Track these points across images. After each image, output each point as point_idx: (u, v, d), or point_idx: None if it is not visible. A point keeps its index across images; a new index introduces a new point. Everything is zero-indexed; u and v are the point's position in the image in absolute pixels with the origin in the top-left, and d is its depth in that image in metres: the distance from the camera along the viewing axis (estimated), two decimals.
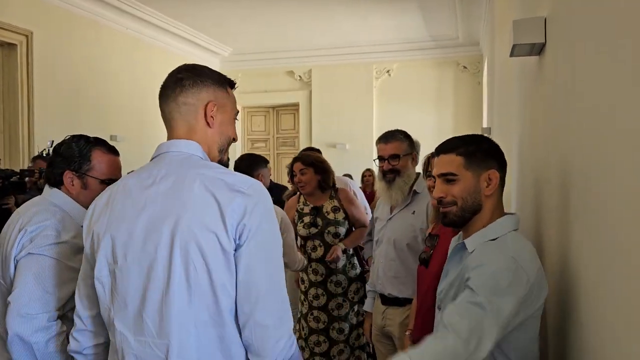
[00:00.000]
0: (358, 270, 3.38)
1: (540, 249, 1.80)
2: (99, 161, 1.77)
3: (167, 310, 1.20)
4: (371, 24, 8.09)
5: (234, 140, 1.43)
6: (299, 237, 3.39)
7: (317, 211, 3.33)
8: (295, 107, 10.18)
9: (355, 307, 3.33)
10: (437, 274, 1.85)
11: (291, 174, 3.39)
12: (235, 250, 1.20)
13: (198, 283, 1.19)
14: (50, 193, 1.73)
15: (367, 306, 2.84)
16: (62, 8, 6.31)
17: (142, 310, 1.22)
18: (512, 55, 1.98)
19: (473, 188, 1.44)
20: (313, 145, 9.64)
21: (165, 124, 1.38)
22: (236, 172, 1.30)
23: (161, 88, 1.38)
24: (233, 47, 9.74)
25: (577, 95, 1.29)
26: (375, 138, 9.09)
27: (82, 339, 1.36)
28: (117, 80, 7.36)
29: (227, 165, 1.43)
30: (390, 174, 2.58)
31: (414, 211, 2.54)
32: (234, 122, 1.42)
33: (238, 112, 1.45)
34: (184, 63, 1.48)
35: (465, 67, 9.17)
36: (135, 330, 1.23)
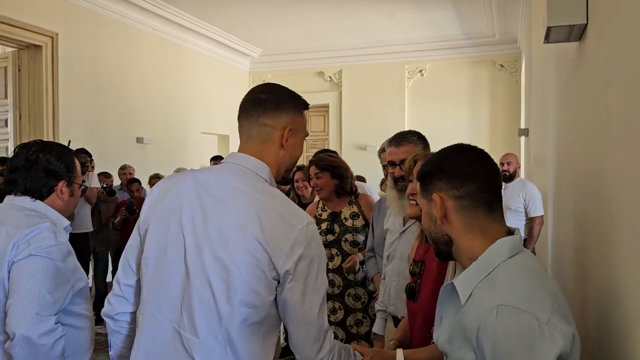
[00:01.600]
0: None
1: (584, 270, 1.53)
2: (76, 168, 1.82)
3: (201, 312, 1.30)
4: (402, 21, 7.82)
5: (298, 158, 1.53)
6: None
7: (334, 217, 3.12)
8: (325, 108, 9.98)
9: None
10: (428, 313, 1.61)
11: (292, 182, 3.37)
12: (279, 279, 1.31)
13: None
14: (31, 204, 1.71)
15: (377, 328, 2.48)
16: (88, 9, 6.29)
17: (182, 304, 1.31)
18: (546, 41, 1.71)
19: (428, 216, 1.21)
20: (343, 148, 9.45)
21: (241, 135, 1.45)
22: (290, 203, 1.38)
23: (242, 103, 1.45)
24: (262, 48, 9.62)
25: (630, 90, 1.03)
26: None
27: (116, 304, 1.45)
28: (144, 81, 7.32)
29: (289, 181, 1.77)
30: (402, 181, 2.24)
31: None
32: (303, 143, 1.51)
33: (308, 134, 1.54)
34: (263, 84, 1.53)
35: (502, 66, 8.76)
36: (172, 318, 1.32)
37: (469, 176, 1.13)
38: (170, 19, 7.45)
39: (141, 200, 5.61)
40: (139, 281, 1.42)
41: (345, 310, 3.07)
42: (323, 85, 9.86)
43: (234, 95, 9.78)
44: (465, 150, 1.20)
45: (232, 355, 1.28)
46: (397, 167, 2.29)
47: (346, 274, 3.04)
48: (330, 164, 3.09)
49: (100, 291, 5.39)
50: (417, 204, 2.27)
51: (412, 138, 2.32)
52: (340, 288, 3.08)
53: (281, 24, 7.96)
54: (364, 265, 3.03)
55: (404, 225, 2.36)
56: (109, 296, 1.47)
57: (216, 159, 6.36)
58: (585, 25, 1.54)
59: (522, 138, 6.77)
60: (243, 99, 1.46)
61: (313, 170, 3.11)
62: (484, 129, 8.85)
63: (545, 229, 3.78)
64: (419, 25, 8.04)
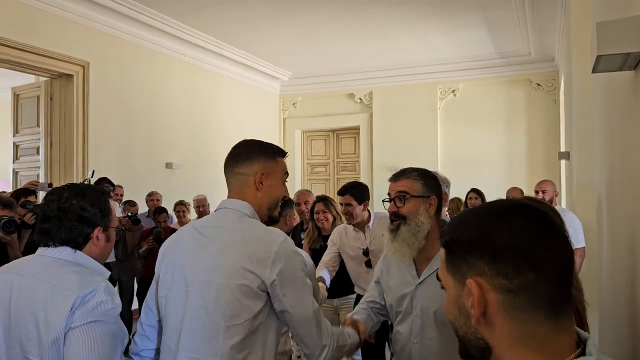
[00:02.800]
0: None
1: None
2: (112, 211, 1.73)
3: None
4: (433, 41, 7.65)
5: (284, 198, 1.76)
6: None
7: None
8: (355, 130, 9.84)
9: None
10: None
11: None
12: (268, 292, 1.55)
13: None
14: (72, 257, 1.61)
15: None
16: (119, 37, 6.36)
17: (183, 330, 1.56)
18: (595, 70, 1.51)
19: (456, 306, 0.90)
20: (374, 170, 9.25)
21: (227, 185, 1.71)
22: (269, 229, 1.61)
23: (225, 160, 1.72)
24: (292, 71, 9.59)
25: None
26: (440, 162, 8.54)
27: (140, 343, 1.69)
28: (174, 106, 7.34)
29: (277, 220, 1.90)
30: (396, 219, 1.95)
31: None
32: (283, 184, 1.75)
33: (288, 174, 1.78)
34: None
35: (539, 85, 8.45)
36: (177, 345, 1.58)
37: (528, 260, 0.75)
38: (200, 45, 7.48)
39: (168, 230, 5.54)
40: (159, 321, 1.67)
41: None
42: (354, 107, 9.74)
43: (264, 119, 9.82)
44: (524, 213, 0.80)
45: None
46: (392, 202, 1.98)
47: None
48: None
49: (125, 319, 5.30)
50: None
51: (412, 174, 1.97)
52: None
53: (310, 46, 7.91)
54: None
55: (417, 274, 1.96)
56: (135, 337, 1.72)
57: None
58: None
59: (563, 162, 6.44)
60: (226, 157, 1.73)
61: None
62: (522, 152, 8.51)
63: (592, 261, 3.49)
64: (451, 45, 7.84)
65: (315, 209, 3.83)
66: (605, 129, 2.30)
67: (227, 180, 1.70)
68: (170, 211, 6.20)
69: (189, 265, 1.58)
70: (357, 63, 8.87)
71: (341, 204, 3.48)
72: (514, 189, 5.51)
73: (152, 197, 6.00)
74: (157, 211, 5.58)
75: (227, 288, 1.49)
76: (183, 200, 6.06)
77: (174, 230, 5.65)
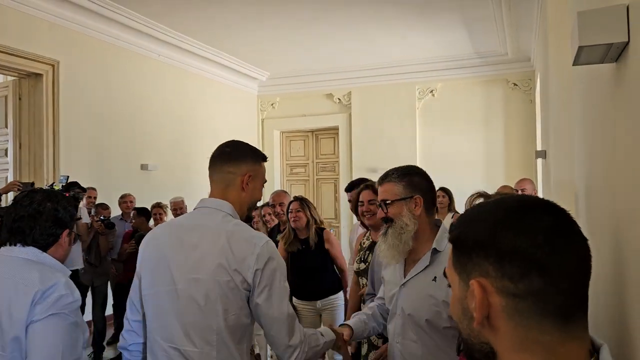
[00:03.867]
0: None
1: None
2: (77, 215, 1.88)
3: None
4: (412, 41, 7.64)
5: (259, 200, 1.86)
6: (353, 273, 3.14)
7: (372, 246, 2.96)
8: (334, 131, 9.78)
9: None
10: None
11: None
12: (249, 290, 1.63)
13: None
14: (37, 257, 1.70)
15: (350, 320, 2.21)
16: (90, 36, 6.19)
17: (178, 325, 1.63)
18: (576, 63, 1.47)
19: (460, 307, 0.85)
20: (353, 171, 9.21)
21: (210, 182, 1.76)
22: (251, 229, 1.72)
23: (212, 156, 1.78)
24: (270, 72, 9.50)
25: None
26: (419, 162, 8.54)
27: (128, 338, 1.76)
28: (149, 107, 7.19)
29: (251, 218, 1.92)
30: (385, 223, 1.97)
31: (435, 277, 1.84)
32: (262, 187, 1.84)
33: (266, 180, 1.87)
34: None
35: (515, 85, 8.51)
36: (171, 339, 1.64)
37: (536, 265, 0.69)
38: (175, 44, 7.34)
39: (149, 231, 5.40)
40: (144, 316, 1.73)
41: (369, 345, 2.86)
42: (332, 108, 9.68)
43: (242, 119, 9.69)
44: (539, 212, 0.73)
45: (227, 356, 1.60)
46: (380, 208, 1.99)
47: None
48: None
49: (99, 327, 5.14)
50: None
51: (392, 176, 1.96)
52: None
53: (289, 46, 7.83)
54: None
55: (404, 275, 1.96)
56: (123, 332, 1.78)
57: None
58: (626, 44, 1.29)
59: (539, 160, 6.48)
60: (212, 154, 1.79)
61: (367, 195, 2.94)
62: (499, 151, 8.56)
63: None
64: (429, 45, 7.85)
65: (290, 208, 3.83)
66: (585, 126, 2.28)
67: (212, 176, 1.77)
68: None
69: (176, 264, 1.65)
70: (335, 63, 8.82)
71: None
72: (504, 187, 5.47)
73: (125, 200, 5.84)
74: (140, 213, 5.44)
75: (217, 285, 1.59)
76: (160, 203, 5.92)
77: None
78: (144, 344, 1.75)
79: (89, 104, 6.20)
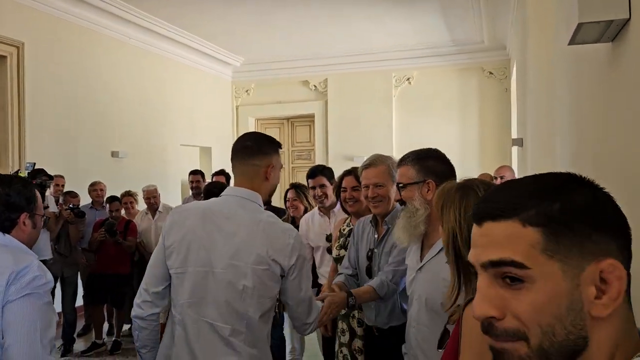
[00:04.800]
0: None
1: None
2: (37, 199, 1.85)
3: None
4: (389, 28, 7.57)
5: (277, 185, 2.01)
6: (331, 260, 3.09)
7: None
8: (310, 118, 9.68)
9: None
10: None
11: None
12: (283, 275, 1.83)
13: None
14: (2, 239, 1.73)
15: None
16: (58, 17, 5.94)
17: (214, 304, 1.79)
18: (573, 42, 1.42)
19: (566, 303, 0.69)
20: (330, 159, 9.15)
21: (235, 174, 1.93)
22: (279, 219, 1.94)
23: (234, 149, 1.93)
24: (245, 57, 9.32)
25: None
26: (395, 149, 8.53)
27: (147, 308, 1.86)
28: (119, 92, 6.96)
29: (270, 202, 2.21)
30: (402, 204, 1.99)
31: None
32: (279, 174, 2.01)
33: (282, 166, 2.07)
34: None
35: (491, 73, 8.55)
36: (210, 316, 1.79)
37: (629, 231, 0.65)
38: (147, 27, 7.11)
39: (122, 221, 5.24)
40: (165, 288, 1.86)
41: (351, 333, 2.79)
42: (308, 95, 9.57)
43: (216, 106, 9.50)
44: (591, 185, 0.68)
45: (254, 335, 1.79)
46: (398, 190, 2.03)
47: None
48: None
49: (69, 319, 4.97)
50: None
51: (407, 160, 2.02)
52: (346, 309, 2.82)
53: (264, 31, 7.67)
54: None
55: (421, 260, 1.95)
56: (139, 302, 1.87)
57: (195, 173, 6.02)
58: (627, 21, 1.24)
59: (515, 148, 6.52)
60: (234, 146, 1.94)
61: (351, 182, 2.87)
62: (474, 139, 8.61)
63: None
64: (406, 32, 7.80)
65: (287, 196, 3.83)
66: (571, 110, 2.25)
67: (237, 168, 1.93)
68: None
69: (214, 248, 1.79)
70: (311, 49, 8.70)
71: (313, 187, 3.40)
72: (484, 175, 5.48)
73: (95, 187, 5.64)
74: (110, 200, 5.26)
75: (255, 272, 1.76)
76: (130, 191, 5.75)
77: (128, 221, 5.35)
78: (159, 314, 1.90)
79: (57, 88, 5.96)
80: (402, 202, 1.98)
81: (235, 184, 1.93)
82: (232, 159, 1.94)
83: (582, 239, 0.61)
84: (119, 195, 5.62)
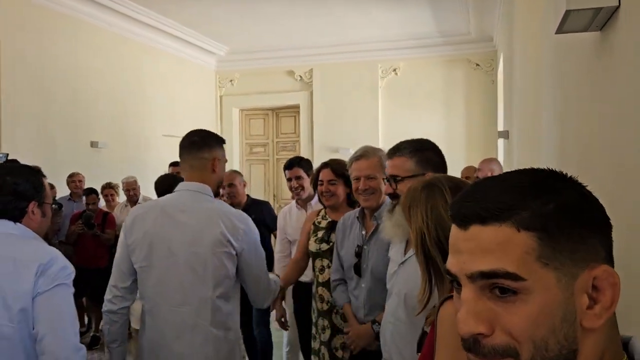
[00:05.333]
0: None
1: None
2: (45, 187, 1.86)
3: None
4: (376, 19, 7.47)
5: (223, 178, 2.23)
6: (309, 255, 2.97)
7: (332, 226, 2.81)
8: (295, 109, 9.57)
9: None
10: None
11: (315, 182, 2.93)
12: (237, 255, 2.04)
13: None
14: (16, 228, 1.75)
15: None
16: (33, 3, 5.74)
17: (180, 290, 1.97)
18: (560, 30, 1.35)
19: (560, 313, 0.64)
20: (315, 150, 9.06)
21: (183, 167, 2.12)
22: (231, 207, 2.17)
23: (182, 144, 2.11)
24: (229, 46, 9.15)
25: None
26: (381, 141, 8.49)
27: (118, 302, 2.01)
28: (99, 82, 6.79)
29: (218, 193, 2.27)
30: (393, 199, 1.89)
31: None
32: (225, 166, 2.20)
33: (226, 160, 2.22)
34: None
35: (477, 65, 8.50)
36: (175, 302, 1.98)
37: (609, 242, 0.61)
38: (128, 15, 6.93)
39: (99, 213, 5.12)
40: (132, 283, 2.03)
41: (332, 329, 2.72)
42: (293, 85, 9.45)
43: (199, 96, 9.33)
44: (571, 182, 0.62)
45: (220, 314, 1.97)
46: (388, 183, 1.93)
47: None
48: (347, 170, 2.76)
49: None
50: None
51: (404, 151, 1.89)
52: (329, 304, 2.74)
53: (249, 20, 7.53)
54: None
55: (404, 254, 1.89)
56: (111, 298, 2.03)
57: (176, 165, 5.88)
58: (616, 9, 1.18)
59: (501, 141, 6.49)
60: (182, 143, 2.12)
61: (328, 175, 2.79)
62: (460, 131, 8.57)
63: None
64: (393, 23, 7.71)
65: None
66: (557, 103, 2.19)
67: (185, 162, 2.10)
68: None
69: (174, 240, 1.96)
70: (297, 39, 8.56)
71: (290, 179, 3.33)
72: (469, 167, 5.43)
73: (73, 179, 5.50)
74: (87, 192, 5.13)
75: (214, 255, 1.94)
76: (111, 183, 5.64)
77: (106, 213, 5.23)
78: (129, 307, 2.06)
79: (33, 76, 5.78)
80: (394, 196, 1.86)
81: (186, 178, 2.10)
82: (181, 154, 2.12)
83: (576, 243, 0.56)
84: (99, 187, 5.49)
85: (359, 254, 2.41)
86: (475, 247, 0.58)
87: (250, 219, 2.10)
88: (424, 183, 1.41)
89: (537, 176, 0.60)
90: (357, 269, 2.40)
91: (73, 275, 1.72)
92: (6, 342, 1.60)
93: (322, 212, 2.94)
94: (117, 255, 2.06)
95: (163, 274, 1.97)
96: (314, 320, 2.85)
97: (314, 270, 2.88)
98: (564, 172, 0.61)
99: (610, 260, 0.58)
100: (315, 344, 2.84)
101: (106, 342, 2.07)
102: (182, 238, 1.96)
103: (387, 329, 1.90)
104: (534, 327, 0.55)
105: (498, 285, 0.56)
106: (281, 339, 3.89)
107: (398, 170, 1.86)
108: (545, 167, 0.62)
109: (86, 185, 5.62)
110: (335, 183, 2.78)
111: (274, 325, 3.96)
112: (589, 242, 0.56)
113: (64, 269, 1.68)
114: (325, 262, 2.77)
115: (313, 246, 2.85)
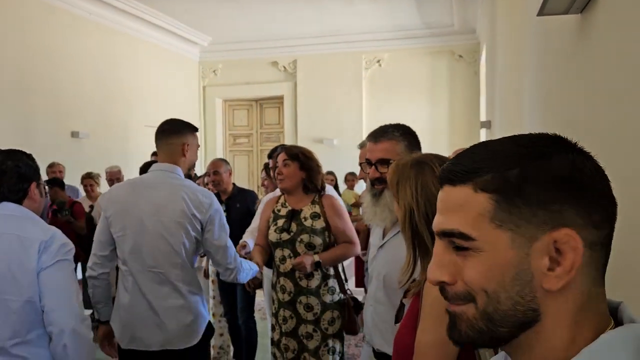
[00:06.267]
0: (337, 296, 2.76)
1: None
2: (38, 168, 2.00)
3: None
4: (360, 10, 7.47)
5: (195, 161, 2.47)
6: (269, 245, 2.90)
7: (293, 215, 2.76)
8: (279, 100, 9.54)
9: (330, 343, 2.71)
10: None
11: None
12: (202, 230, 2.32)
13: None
14: (20, 210, 1.83)
15: (364, 357, 2.17)
16: None
17: (151, 255, 2.25)
18: (542, 13, 1.36)
19: (512, 273, 0.66)
20: (299, 141, 9.05)
21: (158, 153, 2.36)
22: (197, 185, 2.43)
23: (157, 133, 2.34)
24: (212, 36, 9.08)
25: None
26: (365, 132, 8.51)
27: (98, 269, 2.29)
28: (80, 71, 6.69)
29: (191, 176, 2.68)
30: (379, 184, 1.85)
31: None
32: (197, 151, 2.45)
33: (199, 146, 2.48)
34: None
35: (460, 56, 8.56)
36: (149, 265, 2.26)
37: (612, 207, 0.60)
38: (110, 3, 6.83)
39: (69, 202, 5.07)
40: (111, 251, 2.30)
41: (297, 319, 2.72)
42: (277, 76, 9.42)
43: (182, 86, 9.24)
44: (573, 149, 0.61)
45: (187, 275, 2.28)
46: (373, 167, 1.88)
47: (298, 280, 2.69)
48: (302, 153, 2.75)
49: None
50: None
51: (394, 133, 1.85)
52: (292, 295, 2.72)
53: (232, 9, 7.46)
54: (321, 269, 2.69)
55: (382, 239, 1.90)
56: (91, 265, 2.29)
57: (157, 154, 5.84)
58: None
59: (483, 131, 6.56)
60: (157, 130, 2.35)
61: (282, 157, 2.76)
62: (444, 122, 8.64)
63: None
64: (377, 14, 7.70)
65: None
66: (538, 86, 2.22)
67: (159, 147, 2.34)
68: (77, 184, 5.69)
69: (144, 211, 2.23)
70: (281, 30, 8.52)
71: (273, 168, 3.31)
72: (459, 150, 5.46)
73: (53, 169, 5.42)
74: (52, 183, 5.05)
75: (181, 225, 2.22)
76: (91, 173, 5.55)
77: (74, 203, 5.14)
78: (108, 273, 2.32)
79: (12, 65, 5.67)
80: (382, 181, 1.80)
81: (159, 161, 2.37)
82: (155, 141, 2.36)
83: (537, 207, 0.58)
84: (79, 178, 5.42)
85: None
86: (444, 207, 0.63)
87: (214, 196, 2.36)
88: (414, 160, 1.41)
89: (528, 141, 0.61)
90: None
91: (73, 252, 1.83)
92: (15, 317, 1.71)
93: (282, 200, 2.87)
94: (97, 227, 2.35)
95: (136, 241, 2.25)
96: (273, 311, 2.83)
97: (274, 260, 2.82)
98: (568, 140, 0.62)
99: (600, 230, 0.59)
100: (274, 335, 2.82)
101: (93, 303, 2.35)
102: (150, 209, 2.23)
103: (368, 312, 1.92)
104: (485, 281, 0.60)
105: (455, 242, 0.62)
106: (265, 329, 3.90)
107: (389, 153, 1.81)
108: (552, 133, 0.63)
109: (67, 176, 5.54)
110: (288, 165, 2.73)
111: (258, 315, 3.97)
112: (553, 207, 0.57)
113: (64, 245, 1.78)
114: (287, 251, 2.72)
115: (273, 236, 2.78)
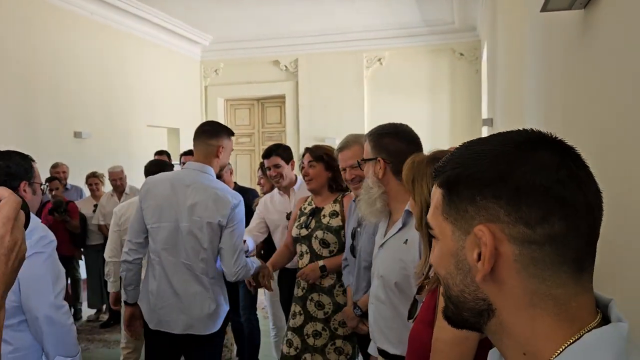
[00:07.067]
0: None
1: None
2: (35, 170, 2.06)
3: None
4: (361, 8, 7.47)
5: (227, 164, 2.71)
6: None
7: (314, 212, 2.84)
8: (281, 99, 9.55)
9: (338, 343, 2.72)
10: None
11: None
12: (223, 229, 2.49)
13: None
14: None
15: (371, 349, 2.22)
16: None
17: (183, 248, 2.47)
18: (545, 8, 1.37)
19: (454, 261, 0.73)
20: (300, 140, 9.05)
21: (195, 151, 2.57)
22: (227, 188, 2.64)
23: (196, 132, 2.55)
24: (214, 35, 9.09)
25: None
26: (367, 130, 8.54)
27: (133, 254, 2.52)
28: (82, 70, 6.70)
29: (221, 177, 3.06)
30: (359, 182, 2.13)
31: (407, 240, 1.80)
32: (229, 155, 2.66)
33: (233, 149, 2.69)
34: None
35: (462, 54, 8.55)
36: (180, 256, 2.49)
37: (559, 204, 0.59)
38: (112, 3, 6.85)
39: (69, 202, 5.08)
40: (145, 239, 2.52)
41: (305, 317, 2.74)
42: (279, 75, 9.43)
43: (184, 86, 9.25)
44: (550, 145, 0.62)
45: (211, 269, 2.49)
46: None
47: (307, 280, 2.72)
48: (326, 154, 2.83)
49: None
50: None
51: (360, 140, 2.14)
52: (304, 291, 2.76)
53: (234, 8, 7.47)
54: (327, 273, 2.74)
55: (384, 235, 1.95)
56: (127, 250, 2.53)
57: (161, 154, 5.84)
58: None
59: (485, 128, 6.56)
60: (196, 130, 2.55)
61: (307, 158, 2.85)
62: (445, 119, 8.64)
63: None
64: (378, 12, 7.71)
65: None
66: (541, 83, 2.22)
67: (195, 147, 2.54)
68: (82, 184, 5.71)
69: (179, 207, 2.44)
70: (282, 29, 8.53)
71: (268, 168, 3.32)
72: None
73: (57, 169, 5.44)
74: (51, 179, 5.08)
75: (207, 224, 2.41)
76: (96, 172, 5.57)
77: (68, 202, 5.13)
78: (142, 258, 2.54)
79: (14, 64, 5.69)
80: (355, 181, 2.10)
81: (194, 159, 2.54)
82: (194, 140, 2.55)
83: (468, 204, 0.63)
84: (83, 178, 5.44)
85: (353, 236, 2.46)
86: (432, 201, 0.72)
87: (242, 199, 2.50)
88: (430, 157, 1.45)
89: (497, 142, 0.64)
90: (352, 251, 2.47)
91: (53, 244, 1.87)
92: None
93: (309, 199, 2.96)
94: (133, 217, 2.60)
95: (170, 234, 2.46)
96: (294, 301, 2.88)
97: (290, 250, 2.97)
98: (551, 140, 0.63)
99: (510, 223, 0.60)
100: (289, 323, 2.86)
101: (123, 285, 2.59)
102: (184, 206, 2.43)
103: (371, 310, 1.97)
104: (438, 267, 0.70)
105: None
106: (267, 327, 3.91)
107: (364, 153, 2.01)
108: (546, 132, 0.65)
109: (70, 176, 5.56)
110: (314, 166, 2.80)
111: (260, 313, 3.98)
112: (479, 204, 0.61)
113: (43, 238, 1.83)
114: (304, 247, 2.78)
115: (294, 231, 2.87)
